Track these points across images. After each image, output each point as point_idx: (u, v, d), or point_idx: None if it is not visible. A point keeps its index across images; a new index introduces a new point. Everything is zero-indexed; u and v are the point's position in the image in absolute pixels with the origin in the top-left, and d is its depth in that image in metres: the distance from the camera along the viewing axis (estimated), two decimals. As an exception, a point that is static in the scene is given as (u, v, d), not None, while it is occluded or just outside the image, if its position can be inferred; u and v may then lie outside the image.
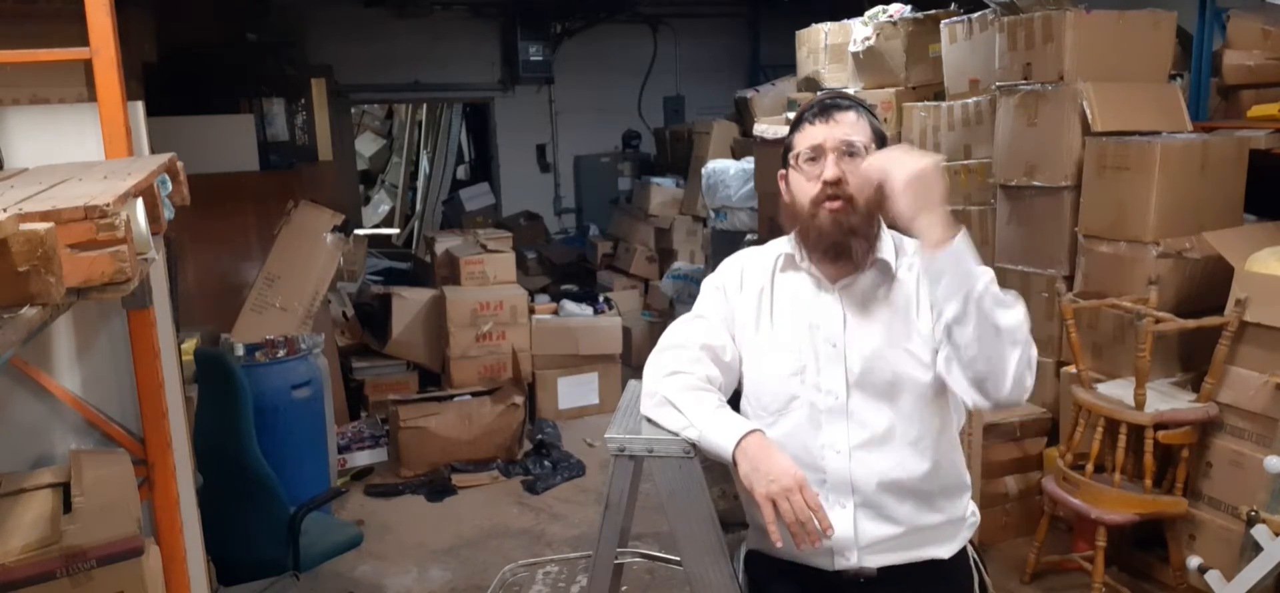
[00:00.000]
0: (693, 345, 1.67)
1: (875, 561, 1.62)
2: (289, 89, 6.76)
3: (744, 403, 1.72)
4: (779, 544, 1.48)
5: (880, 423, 1.60)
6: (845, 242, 1.58)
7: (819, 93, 1.74)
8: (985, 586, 1.75)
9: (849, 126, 1.59)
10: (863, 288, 1.64)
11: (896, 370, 1.59)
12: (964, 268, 1.45)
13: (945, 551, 1.66)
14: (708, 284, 1.78)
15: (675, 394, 1.61)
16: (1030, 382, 1.49)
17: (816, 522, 1.44)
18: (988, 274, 1.47)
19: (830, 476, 1.60)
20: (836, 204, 1.56)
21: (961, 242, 1.44)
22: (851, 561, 1.62)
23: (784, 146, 1.68)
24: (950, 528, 1.67)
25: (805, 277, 1.68)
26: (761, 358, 1.68)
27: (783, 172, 1.68)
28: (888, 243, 1.65)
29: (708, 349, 1.67)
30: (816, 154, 1.59)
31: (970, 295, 1.44)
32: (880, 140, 1.62)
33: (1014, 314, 1.47)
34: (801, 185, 1.61)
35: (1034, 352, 1.50)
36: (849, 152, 1.57)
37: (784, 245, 1.71)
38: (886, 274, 1.64)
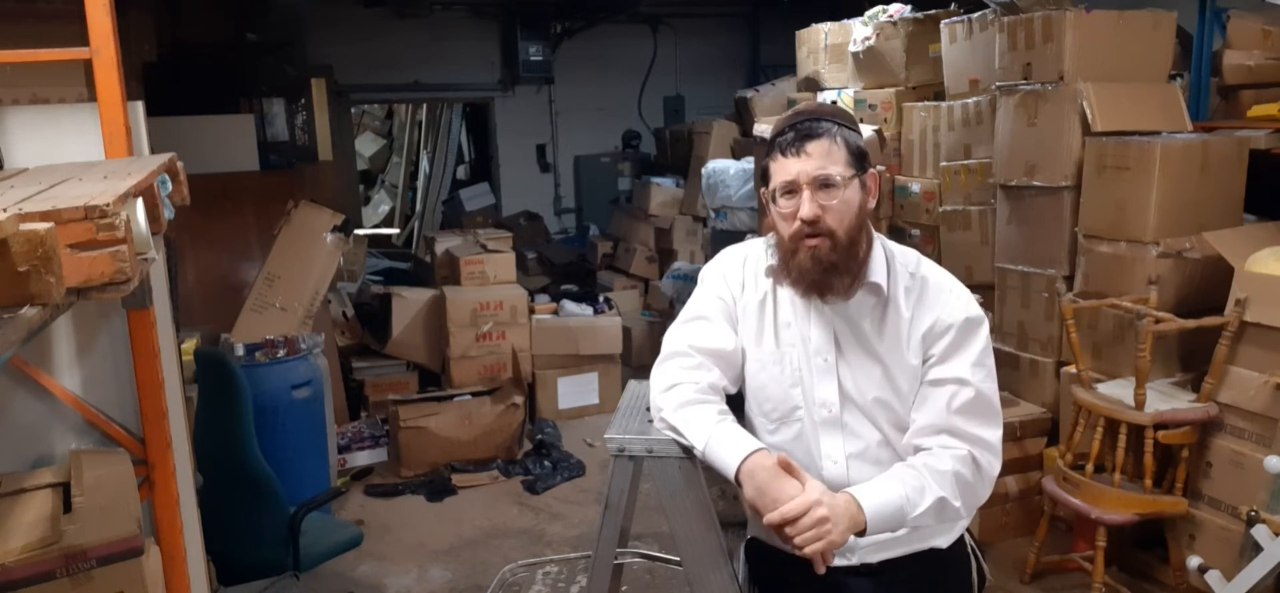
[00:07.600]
0: (691, 352, 1.65)
1: (876, 555, 1.64)
2: (289, 89, 6.75)
3: (748, 406, 1.71)
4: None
5: (873, 437, 1.62)
6: (825, 280, 1.56)
7: (791, 112, 1.70)
8: (983, 572, 1.77)
9: (822, 157, 1.53)
10: (854, 308, 1.61)
11: (883, 397, 1.60)
12: (892, 524, 1.53)
13: (944, 540, 1.67)
14: (708, 277, 1.74)
15: (673, 413, 1.60)
16: (983, 494, 1.61)
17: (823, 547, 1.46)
18: (917, 509, 1.52)
19: (829, 484, 1.60)
20: (815, 240, 1.54)
21: (874, 520, 1.50)
22: (852, 560, 1.65)
23: (760, 167, 1.67)
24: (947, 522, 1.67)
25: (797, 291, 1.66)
26: (765, 365, 1.66)
27: (763, 189, 1.65)
28: (879, 262, 1.61)
29: (708, 353, 1.65)
30: (792, 189, 1.55)
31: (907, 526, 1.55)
32: (859, 158, 1.57)
33: (941, 515, 1.55)
34: (779, 221, 1.59)
35: (978, 493, 1.60)
36: (825, 184, 1.53)
37: (773, 255, 1.67)
38: (878, 295, 1.60)
